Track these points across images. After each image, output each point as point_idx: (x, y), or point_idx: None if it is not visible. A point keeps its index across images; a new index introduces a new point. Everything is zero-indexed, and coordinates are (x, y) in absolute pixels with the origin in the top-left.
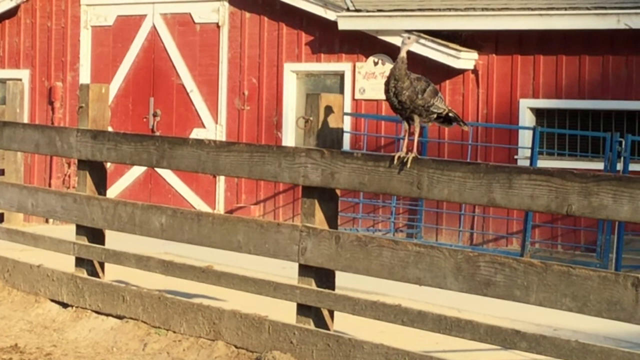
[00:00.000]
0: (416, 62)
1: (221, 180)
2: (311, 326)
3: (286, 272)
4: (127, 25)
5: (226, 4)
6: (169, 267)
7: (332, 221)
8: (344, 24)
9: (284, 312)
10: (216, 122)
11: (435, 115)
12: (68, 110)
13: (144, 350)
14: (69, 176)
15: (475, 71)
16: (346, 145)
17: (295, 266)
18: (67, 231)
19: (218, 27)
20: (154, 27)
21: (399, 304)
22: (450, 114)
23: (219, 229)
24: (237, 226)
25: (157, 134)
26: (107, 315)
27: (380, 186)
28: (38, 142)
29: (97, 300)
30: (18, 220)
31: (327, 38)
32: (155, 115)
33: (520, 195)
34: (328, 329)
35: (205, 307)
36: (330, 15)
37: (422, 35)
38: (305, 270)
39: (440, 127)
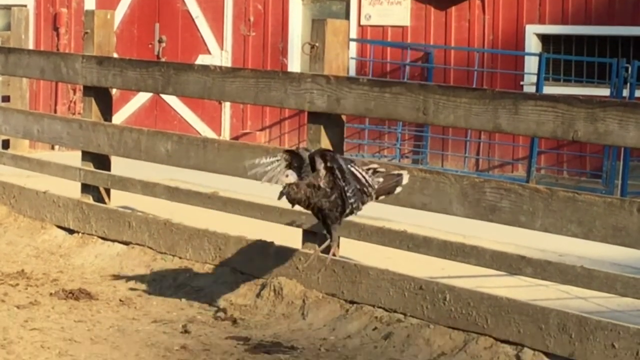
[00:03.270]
0: None
1: (227, 107)
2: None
3: None
4: None
5: None
6: (174, 193)
7: (338, 147)
8: None
9: (291, 239)
10: (221, 49)
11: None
12: (73, 37)
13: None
14: (75, 102)
15: None
16: (352, 71)
17: None
18: (72, 157)
19: None
20: None
21: (405, 230)
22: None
23: (225, 155)
24: (243, 152)
25: (163, 60)
26: (113, 241)
27: (386, 112)
28: (43, 69)
29: (103, 226)
30: (24, 147)
31: None
32: (160, 41)
33: (526, 121)
34: (334, 255)
35: (212, 233)
36: None
37: None
38: None
39: (447, 52)
